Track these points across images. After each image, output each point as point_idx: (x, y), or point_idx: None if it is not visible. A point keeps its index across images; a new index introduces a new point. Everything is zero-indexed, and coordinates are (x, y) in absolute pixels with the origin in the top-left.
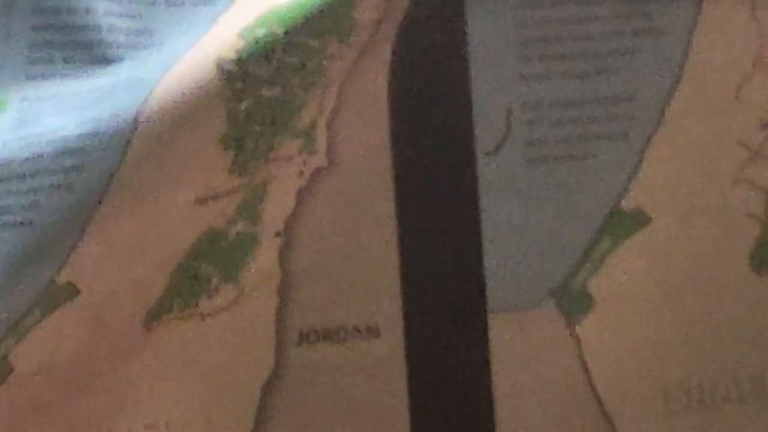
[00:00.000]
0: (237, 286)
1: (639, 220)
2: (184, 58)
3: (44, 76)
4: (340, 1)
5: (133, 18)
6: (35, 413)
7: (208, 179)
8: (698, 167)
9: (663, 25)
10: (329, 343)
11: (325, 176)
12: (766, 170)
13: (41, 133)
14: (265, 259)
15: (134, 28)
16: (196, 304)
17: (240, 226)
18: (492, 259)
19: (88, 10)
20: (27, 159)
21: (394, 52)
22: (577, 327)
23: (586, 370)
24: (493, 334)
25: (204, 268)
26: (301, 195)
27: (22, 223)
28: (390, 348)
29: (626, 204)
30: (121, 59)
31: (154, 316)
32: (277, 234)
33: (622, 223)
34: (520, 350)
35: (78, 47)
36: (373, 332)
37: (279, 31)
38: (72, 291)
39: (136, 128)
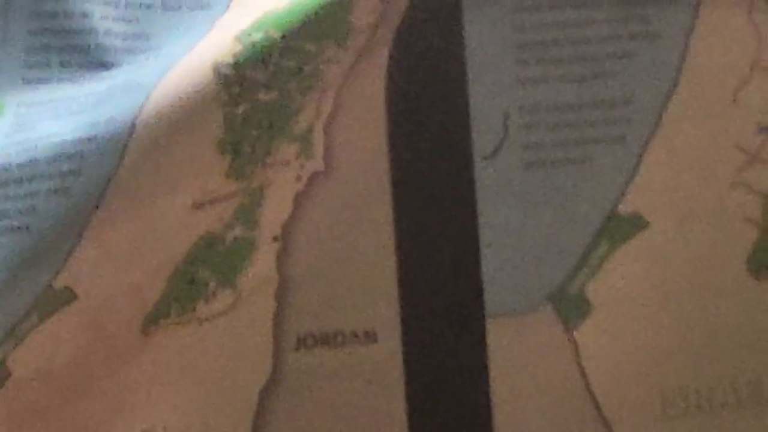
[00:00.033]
0: (234, 290)
1: (636, 224)
2: (181, 63)
3: (41, 81)
4: (337, 5)
5: (129, 22)
6: (33, 418)
7: (205, 183)
8: (696, 171)
9: (660, 28)
10: (327, 348)
11: (322, 180)
12: (764, 174)
13: (38, 137)
14: (262, 263)
15: (131, 32)
16: (194, 309)
17: (237, 231)
18: (489, 264)
19: (84, 15)
20: (24, 163)
21: (391, 56)
22: (574, 332)
23: (583, 375)
24: (490, 338)
25: (201, 273)
26: (299, 199)
27: (19, 227)
28: (387, 353)
29: (624, 208)
30: (118, 63)
31: (152, 321)
32: (275, 238)
33: (619, 228)
34: (518, 355)
35: (75, 51)
36: (370, 337)
37: (276, 35)
38: (69, 295)
39: (133, 133)
